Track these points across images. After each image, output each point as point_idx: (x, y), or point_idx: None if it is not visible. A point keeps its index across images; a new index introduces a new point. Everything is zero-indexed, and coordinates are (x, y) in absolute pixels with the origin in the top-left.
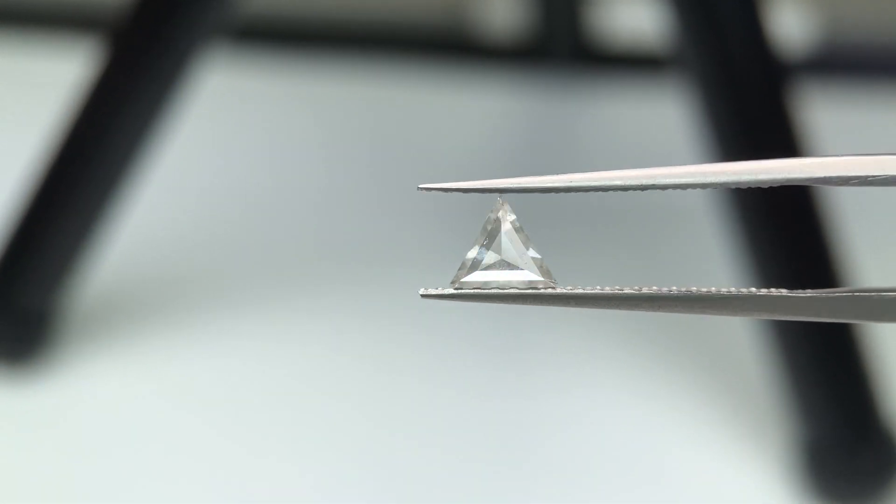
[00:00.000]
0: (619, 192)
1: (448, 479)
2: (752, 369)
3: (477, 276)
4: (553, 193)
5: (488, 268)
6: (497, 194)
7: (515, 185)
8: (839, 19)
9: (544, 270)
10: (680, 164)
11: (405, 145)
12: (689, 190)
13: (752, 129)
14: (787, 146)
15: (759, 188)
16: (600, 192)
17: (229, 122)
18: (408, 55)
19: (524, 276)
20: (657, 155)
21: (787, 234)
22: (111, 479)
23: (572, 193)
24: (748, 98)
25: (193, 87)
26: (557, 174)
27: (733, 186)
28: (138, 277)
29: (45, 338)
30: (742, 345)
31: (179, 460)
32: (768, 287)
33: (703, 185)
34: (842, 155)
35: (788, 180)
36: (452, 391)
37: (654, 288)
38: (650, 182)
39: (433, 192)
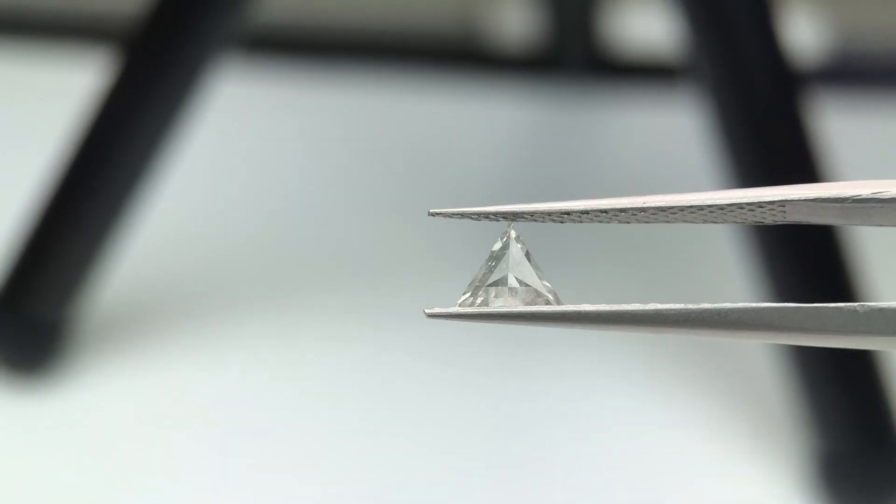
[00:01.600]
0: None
1: (451, 484)
2: (767, 378)
3: (483, 297)
4: (566, 221)
5: (494, 290)
6: (507, 221)
7: (525, 210)
8: (852, 28)
9: (549, 291)
10: (683, 185)
11: (418, 156)
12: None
13: (766, 138)
14: (801, 156)
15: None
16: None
17: (242, 132)
18: (420, 65)
19: (530, 297)
20: (670, 164)
21: (802, 249)
22: (124, 488)
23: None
24: (762, 107)
25: (206, 98)
26: (570, 200)
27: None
28: (151, 288)
29: (57, 348)
30: (757, 354)
31: (192, 470)
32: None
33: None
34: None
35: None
36: (456, 394)
37: (658, 305)
38: (664, 206)
39: (443, 217)
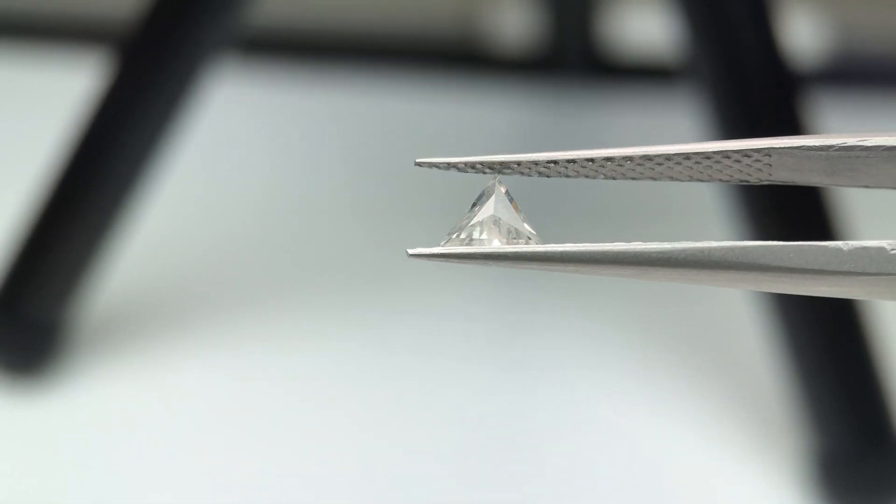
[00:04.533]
0: (624, 183)
1: (448, 482)
2: (765, 377)
3: (465, 235)
4: (552, 174)
5: (479, 230)
6: (493, 174)
7: (515, 159)
8: (852, 29)
9: (533, 236)
10: (679, 185)
11: (415, 156)
12: (695, 185)
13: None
14: None
15: (768, 185)
16: (603, 180)
17: (239, 134)
18: (419, 67)
19: (513, 238)
20: None
21: (796, 234)
22: (121, 490)
23: (573, 179)
24: (760, 108)
25: (203, 100)
26: (558, 151)
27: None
28: (148, 289)
29: (54, 349)
30: (754, 352)
31: (190, 471)
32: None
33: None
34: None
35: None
36: (453, 390)
37: (641, 245)
38: (650, 154)
39: (431, 167)
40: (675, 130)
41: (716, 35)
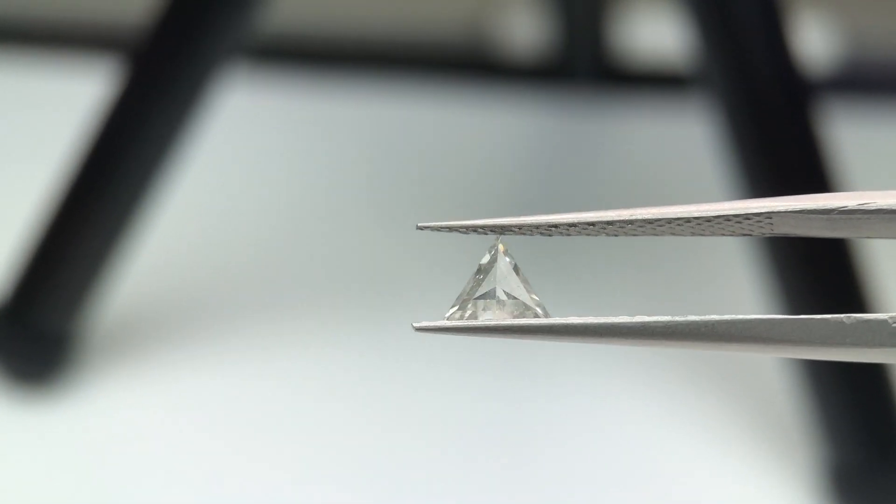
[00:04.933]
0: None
1: (449, 492)
2: (778, 388)
3: (471, 310)
4: (553, 235)
5: (482, 303)
6: (495, 235)
7: (513, 223)
8: (863, 36)
9: (537, 304)
10: (693, 193)
11: (427, 166)
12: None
13: (776, 147)
14: (811, 165)
15: None
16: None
17: (249, 141)
18: (429, 74)
19: (518, 310)
20: (680, 173)
21: (812, 255)
22: (130, 499)
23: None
24: (771, 116)
25: (213, 107)
26: (559, 213)
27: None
28: (157, 299)
29: (64, 359)
30: (767, 363)
31: (198, 480)
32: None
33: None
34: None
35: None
36: (453, 402)
37: (645, 318)
38: (651, 218)
39: (432, 231)
40: (687, 138)
41: (727, 42)
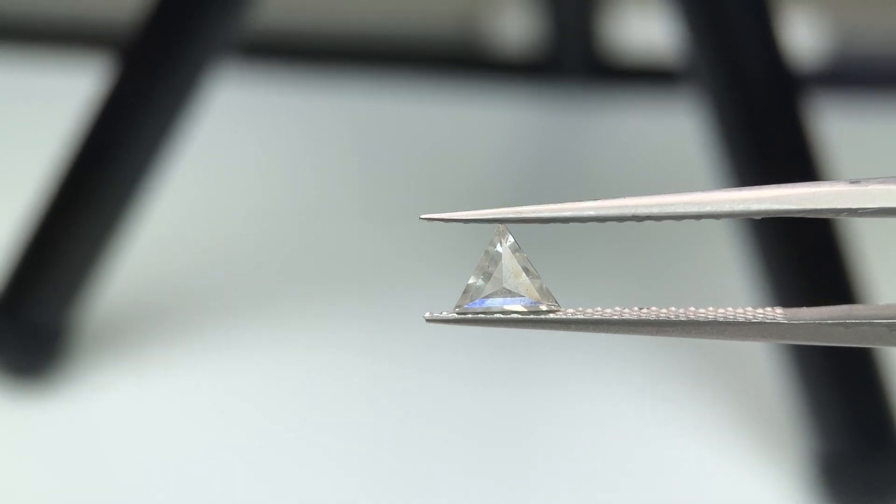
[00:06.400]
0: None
1: (450, 488)
2: (767, 380)
3: (479, 302)
4: (553, 223)
5: (491, 293)
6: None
7: (515, 215)
8: (851, 31)
9: (545, 293)
10: (683, 188)
11: (418, 160)
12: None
13: (765, 141)
14: (800, 158)
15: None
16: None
17: (240, 137)
18: (421, 69)
19: (526, 300)
20: (670, 168)
21: (803, 250)
22: (124, 491)
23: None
24: (761, 110)
25: (204, 103)
26: (558, 203)
27: (722, 217)
28: (150, 292)
29: (58, 352)
30: (757, 356)
31: (192, 473)
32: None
33: (699, 216)
34: (832, 183)
35: (778, 211)
36: (455, 398)
37: (655, 310)
38: (648, 212)
39: (434, 222)
40: (677, 133)
41: (716, 37)
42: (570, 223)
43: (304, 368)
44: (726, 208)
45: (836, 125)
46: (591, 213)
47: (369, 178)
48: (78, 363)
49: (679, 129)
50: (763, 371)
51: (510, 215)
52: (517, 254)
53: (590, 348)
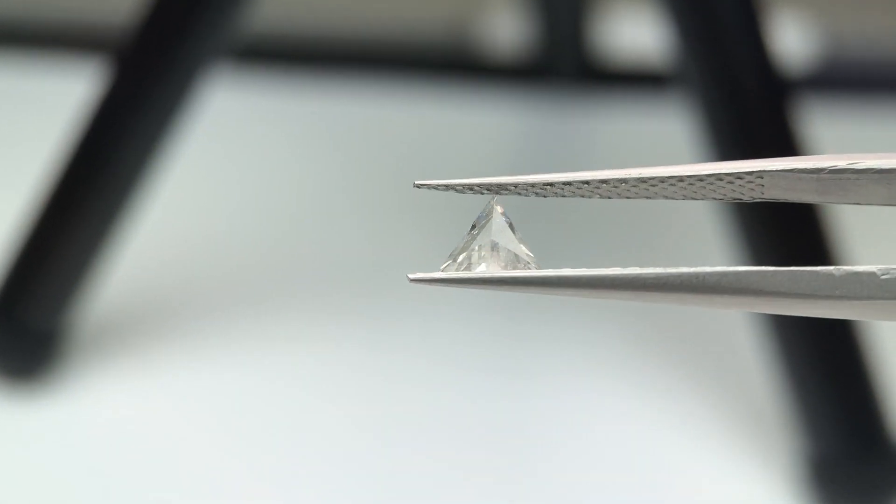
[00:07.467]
0: (619, 200)
1: (446, 484)
2: (758, 381)
3: (465, 263)
4: (548, 195)
5: (477, 255)
6: (491, 195)
7: (511, 182)
8: (841, 35)
9: (532, 259)
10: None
11: (409, 163)
12: (691, 203)
13: (755, 144)
14: None
15: (761, 202)
16: (599, 199)
17: (235, 141)
18: (412, 73)
19: (511, 263)
20: None
21: (789, 251)
22: (120, 496)
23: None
24: (751, 114)
25: (199, 107)
26: (554, 173)
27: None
28: (146, 295)
29: (53, 355)
30: (747, 357)
31: (189, 477)
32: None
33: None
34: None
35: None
36: (451, 395)
37: (637, 270)
38: (644, 177)
39: (429, 189)
40: (667, 136)
41: (706, 41)
42: (565, 195)
43: (302, 370)
44: (708, 170)
45: (825, 129)
46: (588, 177)
47: (361, 180)
48: (73, 365)
49: (669, 132)
50: (754, 371)
51: (504, 182)
52: (507, 223)
53: (579, 348)
